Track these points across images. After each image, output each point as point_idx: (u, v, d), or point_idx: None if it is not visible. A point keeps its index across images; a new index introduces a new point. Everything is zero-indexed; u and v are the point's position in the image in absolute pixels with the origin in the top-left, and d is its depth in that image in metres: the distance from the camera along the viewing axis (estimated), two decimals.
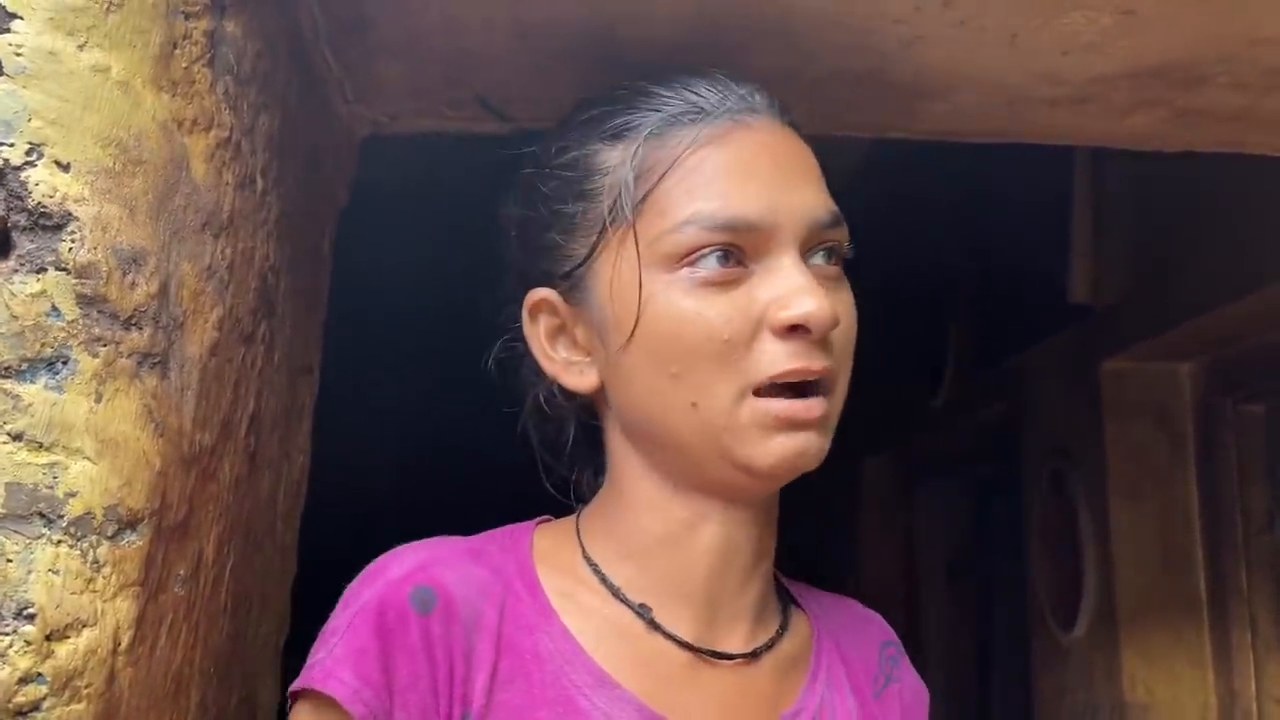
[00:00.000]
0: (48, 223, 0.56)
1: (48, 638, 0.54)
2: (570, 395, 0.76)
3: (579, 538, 0.75)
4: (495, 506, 0.89)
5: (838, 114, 0.94)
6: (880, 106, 0.92)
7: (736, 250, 0.68)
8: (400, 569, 0.68)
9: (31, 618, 0.54)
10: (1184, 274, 1.84)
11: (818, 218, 0.70)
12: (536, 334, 0.75)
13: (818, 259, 0.71)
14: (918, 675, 0.84)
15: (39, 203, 0.56)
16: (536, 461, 0.79)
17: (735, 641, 0.73)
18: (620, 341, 0.70)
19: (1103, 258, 2.05)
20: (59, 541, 0.55)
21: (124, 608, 0.58)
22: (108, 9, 0.60)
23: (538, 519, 0.77)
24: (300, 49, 0.81)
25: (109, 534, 0.57)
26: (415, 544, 0.71)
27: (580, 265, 0.72)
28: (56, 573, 0.55)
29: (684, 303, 0.67)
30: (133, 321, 0.59)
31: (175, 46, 0.64)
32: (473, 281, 0.82)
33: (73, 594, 0.55)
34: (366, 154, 1.00)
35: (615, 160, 0.71)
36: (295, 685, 0.65)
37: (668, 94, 0.72)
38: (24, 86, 0.56)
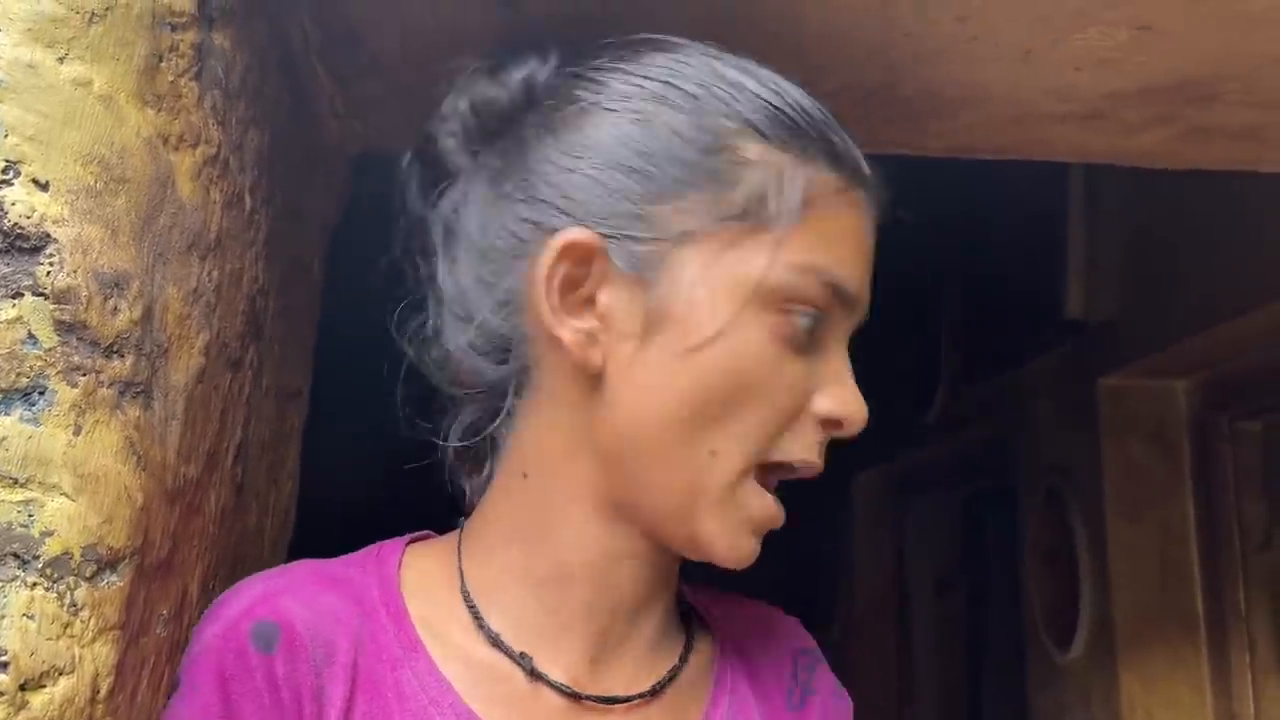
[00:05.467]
0: (24, 245, 0.53)
1: (22, 687, 0.51)
2: (533, 349, 0.66)
3: (459, 562, 0.67)
4: None
5: (848, 128, 0.91)
6: (889, 122, 0.90)
7: (823, 321, 0.64)
8: (239, 604, 0.62)
9: (4, 666, 0.50)
10: (1180, 291, 1.83)
11: (866, 314, 0.68)
12: (556, 276, 0.63)
13: None
14: (838, 684, 0.79)
15: (15, 224, 0.53)
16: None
17: (628, 679, 0.68)
18: (677, 343, 0.61)
19: (1098, 273, 2.03)
20: (34, 584, 0.52)
21: (103, 653, 0.54)
22: (90, 20, 0.57)
23: (411, 535, 0.70)
24: (291, 63, 0.78)
25: (87, 575, 0.54)
26: (264, 573, 0.65)
27: (668, 240, 0.62)
28: (31, 617, 0.51)
29: (767, 350, 0.62)
30: (114, 349, 0.56)
31: (161, 59, 0.61)
32: None
33: (49, 640, 0.52)
34: (358, 171, 0.98)
35: (757, 155, 0.63)
36: None
37: (822, 123, 0.66)
38: (0, 101, 0.53)
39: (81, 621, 0.53)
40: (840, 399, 0.65)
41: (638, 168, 0.64)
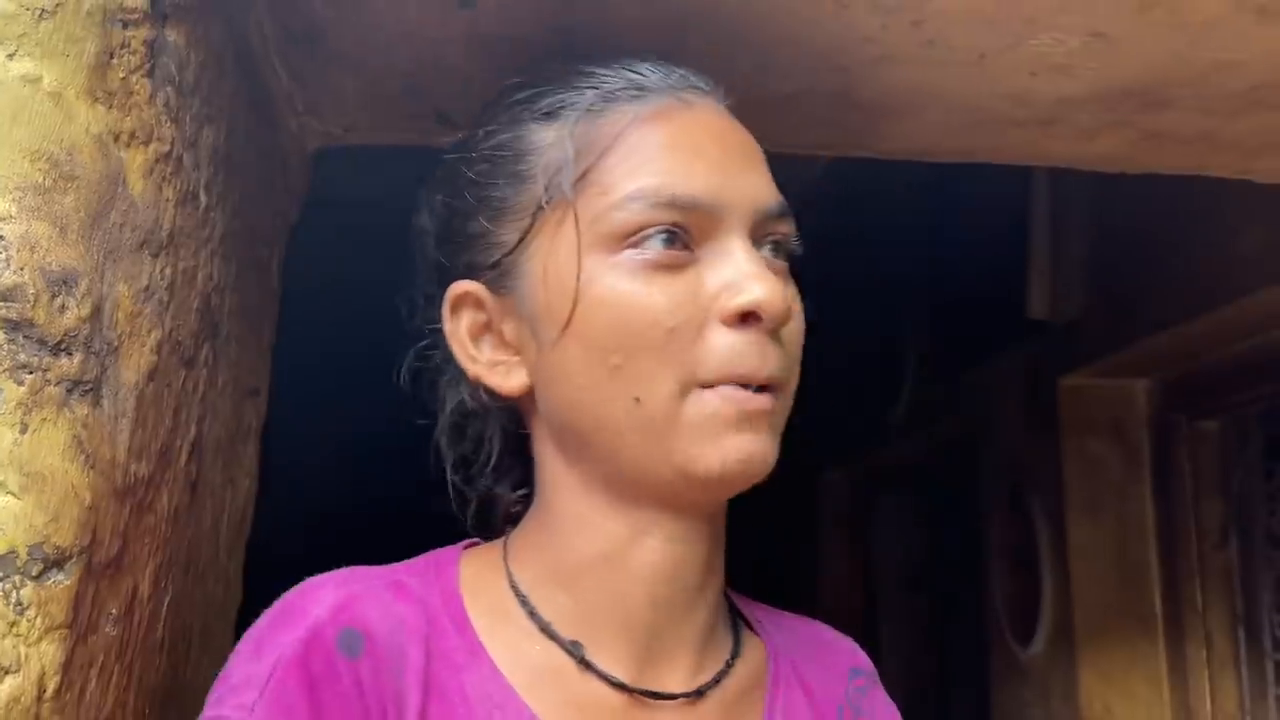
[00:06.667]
0: None
1: None
2: (493, 402, 0.70)
3: (506, 563, 0.69)
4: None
5: (805, 131, 0.92)
6: (848, 125, 0.90)
7: (683, 232, 0.63)
8: (323, 608, 0.61)
9: None
10: (1141, 292, 1.85)
11: (766, 205, 0.66)
12: (458, 331, 0.69)
13: (765, 252, 0.67)
14: (894, 708, 0.79)
15: None
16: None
17: (679, 677, 0.67)
18: (554, 333, 0.64)
19: (1061, 275, 2.06)
20: None
21: (50, 652, 0.54)
22: (39, 16, 0.56)
23: (464, 543, 0.71)
24: (248, 60, 0.78)
25: (34, 574, 0.54)
26: (328, 577, 0.64)
27: (510, 253, 0.67)
28: None
29: (627, 286, 0.63)
30: (62, 347, 0.56)
31: (112, 56, 0.60)
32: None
33: None
34: (318, 168, 0.97)
35: (550, 139, 0.67)
36: None
37: (605, 72, 0.68)
38: None
39: (28, 620, 0.53)
40: (736, 289, 0.63)
41: (474, 206, 0.69)
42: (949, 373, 2.56)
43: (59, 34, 0.57)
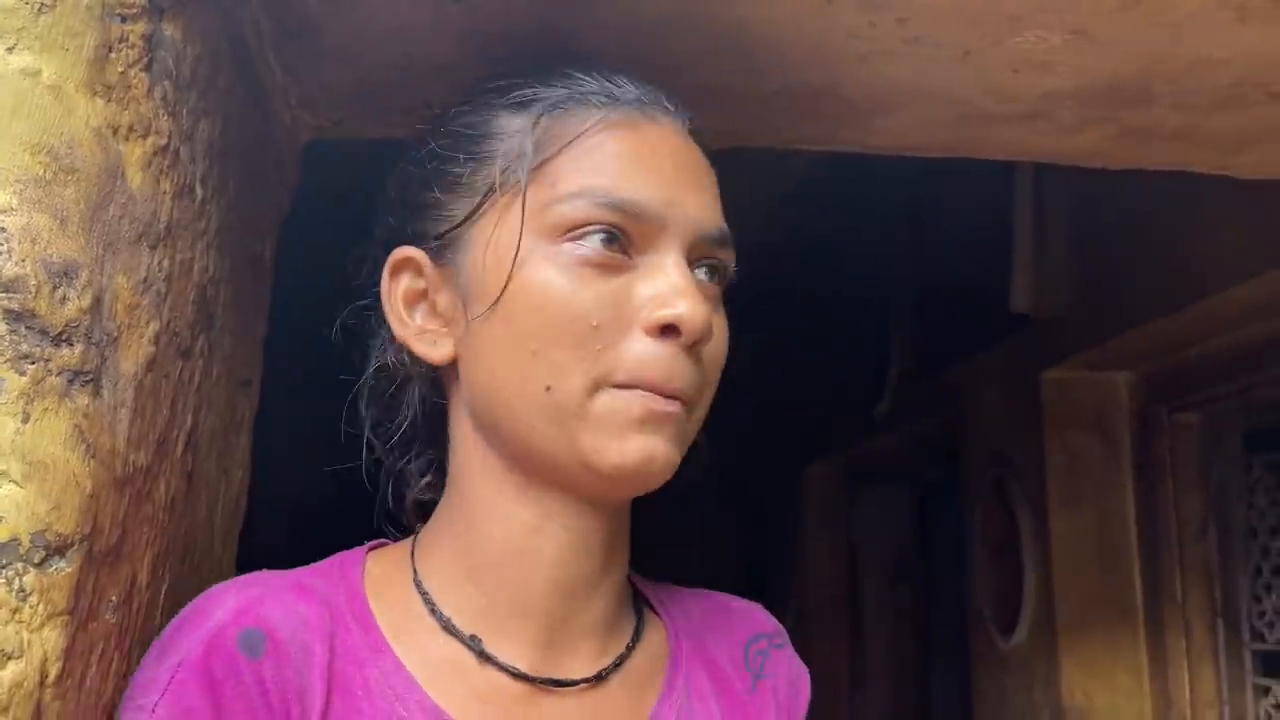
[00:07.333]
0: None
1: None
2: (415, 368, 0.72)
3: (413, 560, 0.71)
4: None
5: (791, 127, 0.94)
6: (834, 121, 0.92)
7: (623, 236, 0.66)
8: (225, 611, 0.63)
9: None
10: (1123, 286, 1.87)
11: (708, 229, 0.69)
12: (394, 294, 0.71)
13: (700, 273, 0.69)
14: (798, 664, 0.81)
15: None
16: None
17: (580, 663, 0.69)
18: (483, 308, 0.66)
19: (1044, 269, 2.08)
20: None
21: (52, 638, 0.55)
22: (39, 10, 0.57)
23: (370, 544, 0.73)
24: (243, 53, 0.79)
25: (36, 561, 0.54)
26: (232, 582, 0.67)
27: (458, 226, 0.69)
28: None
29: (559, 277, 0.65)
30: (63, 337, 0.56)
31: (110, 50, 0.61)
32: None
33: None
34: (310, 161, 0.98)
35: (516, 127, 0.69)
36: None
37: (581, 75, 0.70)
38: None
39: (30, 607, 0.54)
40: (661, 301, 0.65)
41: (431, 176, 0.71)
42: (933, 366, 2.58)
43: (58, 28, 0.58)
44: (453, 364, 0.70)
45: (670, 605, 0.78)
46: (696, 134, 0.73)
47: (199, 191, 0.72)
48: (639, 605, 0.77)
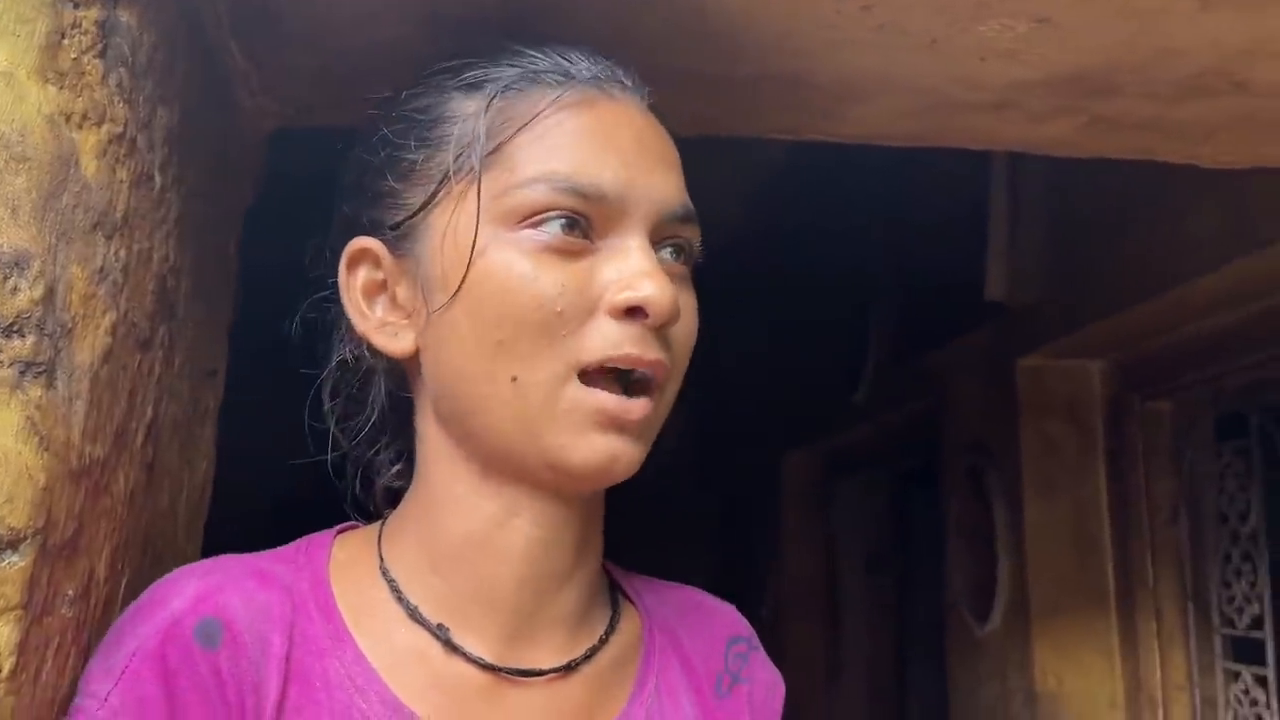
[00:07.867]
0: None
1: None
2: (378, 362, 0.71)
3: (379, 547, 0.70)
4: None
5: (761, 116, 0.93)
6: (804, 110, 0.91)
7: (584, 220, 0.64)
8: (182, 599, 0.62)
9: None
10: (1096, 275, 1.88)
11: (672, 207, 0.67)
12: (353, 286, 0.69)
13: (665, 253, 0.68)
14: (773, 670, 0.80)
15: None
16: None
17: (548, 654, 0.68)
18: (444, 299, 0.65)
19: (1019, 258, 2.09)
20: None
21: (4, 633, 0.54)
22: None
23: (339, 527, 0.72)
24: (202, 40, 0.78)
25: None
26: (193, 567, 0.65)
27: (414, 215, 0.67)
28: None
29: (519, 264, 0.63)
30: (14, 329, 0.56)
31: (63, 36, 0.60)
32: None
33: None
34: (274, 149, 0.97)
35: (469, 110, 0.67)
36: None
37: (534, 52, 0.69)
38: None
39: None
40: (626, 285, 0.64)
41: (385, 164, 0.69)
42: (910, 355, 2.59)
43: (9, 14, 0.57)
44: (415, 356, 0.69)
45: (645, 596, 0.78)
46: (656, 109, 0.71)
47: (158, 180, 0.71)
48: (614, 595, 0.76)
